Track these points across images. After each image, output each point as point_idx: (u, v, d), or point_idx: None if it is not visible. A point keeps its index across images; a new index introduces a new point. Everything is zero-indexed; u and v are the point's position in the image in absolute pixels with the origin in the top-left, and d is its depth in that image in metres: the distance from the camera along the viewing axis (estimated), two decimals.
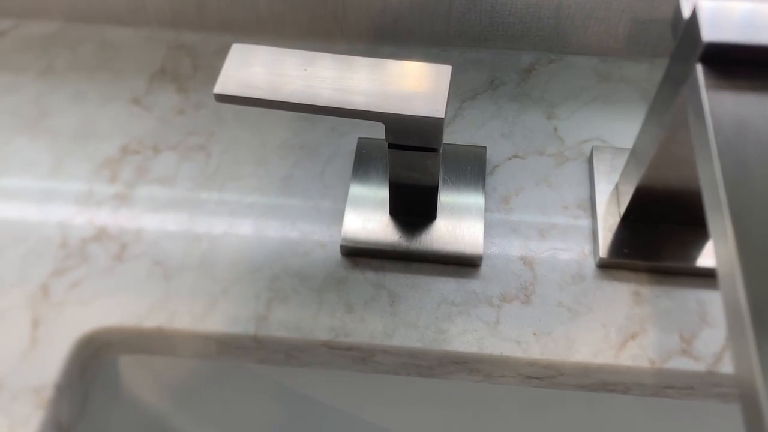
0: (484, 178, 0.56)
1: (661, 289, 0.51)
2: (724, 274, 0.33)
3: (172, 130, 0.60)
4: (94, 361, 0.52)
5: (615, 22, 0.61)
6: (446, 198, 0.54)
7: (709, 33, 0.38)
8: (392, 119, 0.44)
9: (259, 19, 0.65)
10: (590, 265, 0.52)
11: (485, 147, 0.57)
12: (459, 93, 0.62)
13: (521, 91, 0.62)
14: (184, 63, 0.65)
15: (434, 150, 0.46)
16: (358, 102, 0.43)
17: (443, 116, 0.43)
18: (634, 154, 0.51)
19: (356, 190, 0.55)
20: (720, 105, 0.37)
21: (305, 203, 0.55)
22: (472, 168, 0.56)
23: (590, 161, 0.57)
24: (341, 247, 0.52)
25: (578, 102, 0.61)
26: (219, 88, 0.44)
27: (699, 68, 0.39)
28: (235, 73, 0.45)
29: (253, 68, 0.45)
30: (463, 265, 0.52)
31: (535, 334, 0.49)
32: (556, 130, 0.60)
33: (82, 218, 0.55)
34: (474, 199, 0.54)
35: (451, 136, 0.59)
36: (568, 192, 0.56)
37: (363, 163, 0.56)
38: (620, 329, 0.49)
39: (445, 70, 0.45)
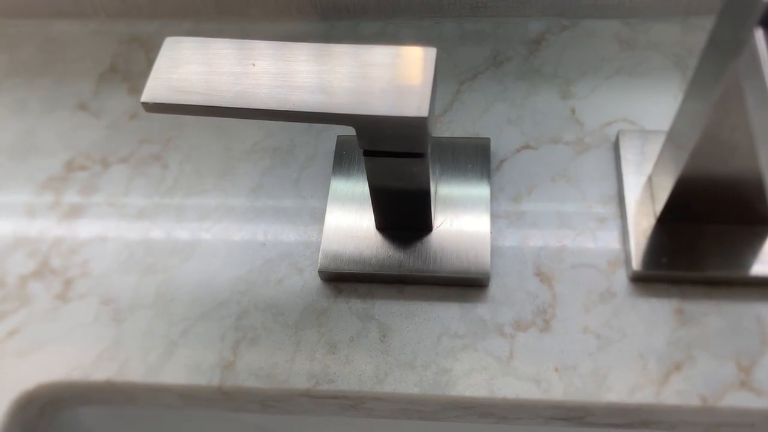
0: (489, 177, 0.46)
1: (711, 305, 0.41)
2: None
3: (123, 139, 0.51)
4: (43, 420, 0.45)
5: None
6: (444, 205, 0.45)
7: None
8: (364, 122, 0.35)
9: (220, 1, 0.56)
10: (622, 279, 0.43)
11: (489, 138, 0.48)
12: (457, 73, 0.53)
13: (530, 66, 0.52)
14: (138, 58, 0.56)
15: (420, 155, 0.37)
16: (319, 103, 0.34)
17: (427, 114, 0.34)
18: (671, 138, 0.41)
19: (336, 200, 0.46)
20: None
21: (278, 219, 0.47)
22: (475, 165, 0.47)
23: (616, 148, 0.47)
24: (320, 272, 0.44)
25: (599, 76, 0.51)
26: (147, 95, 0.36)
27: (760, 34, 0.29)
28: (169, 75, 0.36)
29: (190, 67, 0.37)
30: (468, 286, 0.43)
31: (557, 369, 0.40)
32: (573, 111, 0.50)
33: (21, 251, 0.47)
34: (478, 203, 0.45)
35: (448, 126, 0.50)
36: (591, 188, 0.46)
37: (344, 166, 0.47)
38: (662, 358, 0.40)
39: (428, 55, 0.36)
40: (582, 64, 0.52)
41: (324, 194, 0.47)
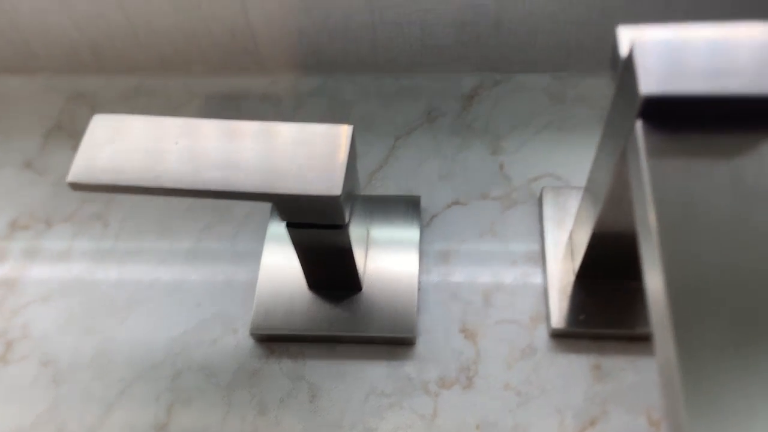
0: (419, 234, 0.48)
1: (627, 361, 0.43)
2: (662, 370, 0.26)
3: (67, 198, 0.53)
4: None
5: (564, 35, 0.53)
6: (374, 263, 0.47)
7: (650, 83, 0.30)
8: (280, 199, 0.36)
9: (164, 58, 0.57)
10: (543, 334, 0.44)
11: (419, 196, 0.50)
12: (393, 128, 0.54)
13: (463, 122, 0.54)
14: (83, 114, 0.57)
15: (339, 227, 0.39)
16: (236, 181, 0.36)
17: (340, 193, 0.35)
18: (586, 195, 0.43)
19: (270, 259, 0.47)
20: (663, 175, 0.30)
21: (215, 278, 0.48)
22: (405, 222, 0.49)
23: (540, 204, 0.49)
24: (251, 334, 0.45)
25: (528, 131, 0.53)
26: (74, 175, 0.37)
27: (639, 126, 0.31)
28: (95, 154, 0.38)
29: (116, 146, 0.38)
30: (396, 344, 0.45)
31: (478, 427, 0.42)
32: (502, 167, 0.52)
33: None
34: (407, 261, 0.47)
35: (383, 182, 0.52)
36: (516, 244, 0.48)
37: (279, 224, 0.49)
38: (578, 414, 0.42)
39: (344, 133, 0.37)
40: (512, 118, 0.54)
41: (260, 252, 0.48)
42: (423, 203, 0.50)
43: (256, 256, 0.49)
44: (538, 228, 0.48)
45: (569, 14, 0.51)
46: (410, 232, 0.48)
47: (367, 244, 0.47)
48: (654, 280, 0.28)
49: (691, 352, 0.25)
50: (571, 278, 0.45)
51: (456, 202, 0.50)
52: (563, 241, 0.47)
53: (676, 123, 0.30)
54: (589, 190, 0.42)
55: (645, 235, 0.29)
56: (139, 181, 0.37)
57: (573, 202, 0.48)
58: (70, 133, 0.56)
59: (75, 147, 0.55)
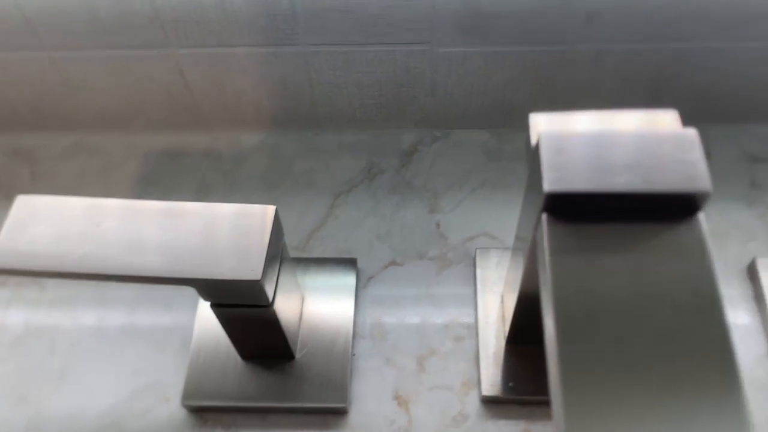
0: (354, 298, 0.48)
1: None
2: None
3: None
4: None
5: (498, 94, 0.54)
6: (308, 329, 0.47)
7: (552, 180, 0.31)
8: (202, 284, 0.37)
9: (103, 115, 0.57)
10: (474, 401, 0.45)
11: (356, 258, 0.50)
12: (333, 185, 0.55)
13: (402, 179, 0.55)
14: (21, 172, 0.57)
15: (265, 306, 0.39)
16: (156, 266, 0.36)
17: (260, 277, 0.36)
18: (513, 258, 0.43)
19: (203, 327, 0.47)
20: (564, 270, 0.30)
21: (148, 347, 0.48)
22: (341, 287, 0.49)
23: (474, 266, 0.50)
24: (183, 405, 0.45)
25: (465, 189, 0.54)
26: None
27: (544, 219, 0.32)
28: (18, 237, 0.37)
29: (39, 229, 0.38)
30: (328, 413, 0.45)
31: None
32: (438, 226, 0.52)
33: None
34: (342, 326, 0.47)
35: (321, 242, 0.52)
36: (451, 306, 0.49)
37: None
38: None
39: (267, 214, 0.38)
40: (450, 176, 0.55)
41: (194, 321, 0.48)
42: (360, 264, 0.50)
43: (189, 325, 0.48)
44: (473, 290, 0.49)
45: (502, 76, 0.52)
46: (346, 297, 0.48)
47: (302, 311, 0.47)
48: (552, 370, 0.28)
49: None
50: (502, 343, 0.46)
51: (393, 263, 0.51)
52: (495, 306, 0.47)
53: (578, 216, 0.31)
54: (515, 253, 0.42)
55: (547, 326, 0.30)
56: (59, 267, 0.36)
57: (506, 263, 0.49)
58: (8, 191, 0.56)
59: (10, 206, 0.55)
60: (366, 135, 0.57)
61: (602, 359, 0.28)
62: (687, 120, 0.53)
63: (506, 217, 0.52)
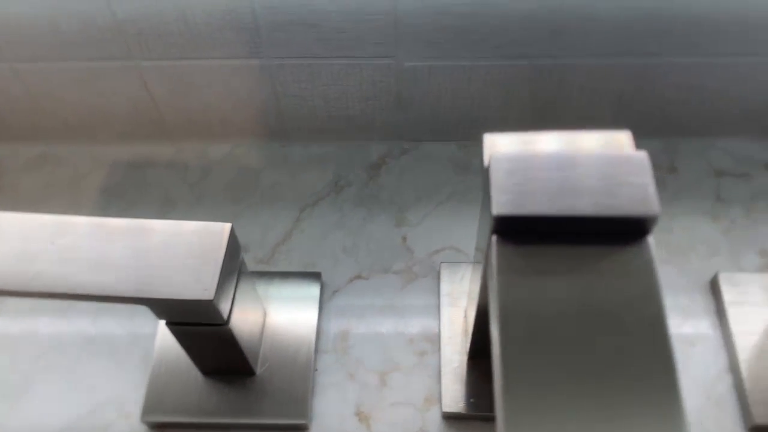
0: (317, 313, 0.48)
1: None
2: None
3: None
4: None
5: (465, 108, 0.54)
6: (270, 343, 0.47)
7: (501, 203, 0.31)
8: (153, 304, 0.36)
9: (68, 125, 0.56)
10: (436, 417, 0.45)
11: (320, 273, 0.50)
12: (299, 198, 0.55)
13: (369, 192, 0.55)
14: None
15: (220, 324, 0.39)
16: (108, 285, 0.35)
17: (212, 298, 0.35)
18: (474, 272, 0.43)
19: (164, 343, 0.47)
20: (510, 289, 0.30)
21: (109, 361, 0.47)
22: (305, 301, 0.49)
23: (438, 280, 0.49)
24: (143, 421, 0.44)
25: (432, 202, 0.54)
26: None
27: (494, 240, 0.31)
28: None
29: None
30: (289, 430, 0.45)
31: None
32: (404, 239, 0.52)
33: None
34: (304, 341, 0.47)
35: (286, 256, 0.52)
36: (415, 320, 0.49)
37: None
38: None
39: (223, 232, 0.37)
40: (417, 189, 0.55)
41: (155, 335, 0.48)
42: (325, 277, 0.50)
43: (151, 340, 0.48)
44: (437, 304, 0.49)
45: (469, 89, 0.52)
46: (309, 311, 0.48)
47: (264, 326, 0.47)
48: (496, 385, 0.28)
49: None
50: (464, 358, 0.46)
51: (359, 276, 0.51)
52: (459, 320, 0.47)
53: (528, 238, 0.31)
54: (475, 267, 0.42)
55: (493, 344, 0.30)
56: (12, 285, 0.36)
57: (470, 276, 0.49)
58: None
59: None
60: (333, 147, 0.57)
61: (544, 376, 0.28)
62: (653, 134, 0.54)
63: (473, 230, 0.51)
